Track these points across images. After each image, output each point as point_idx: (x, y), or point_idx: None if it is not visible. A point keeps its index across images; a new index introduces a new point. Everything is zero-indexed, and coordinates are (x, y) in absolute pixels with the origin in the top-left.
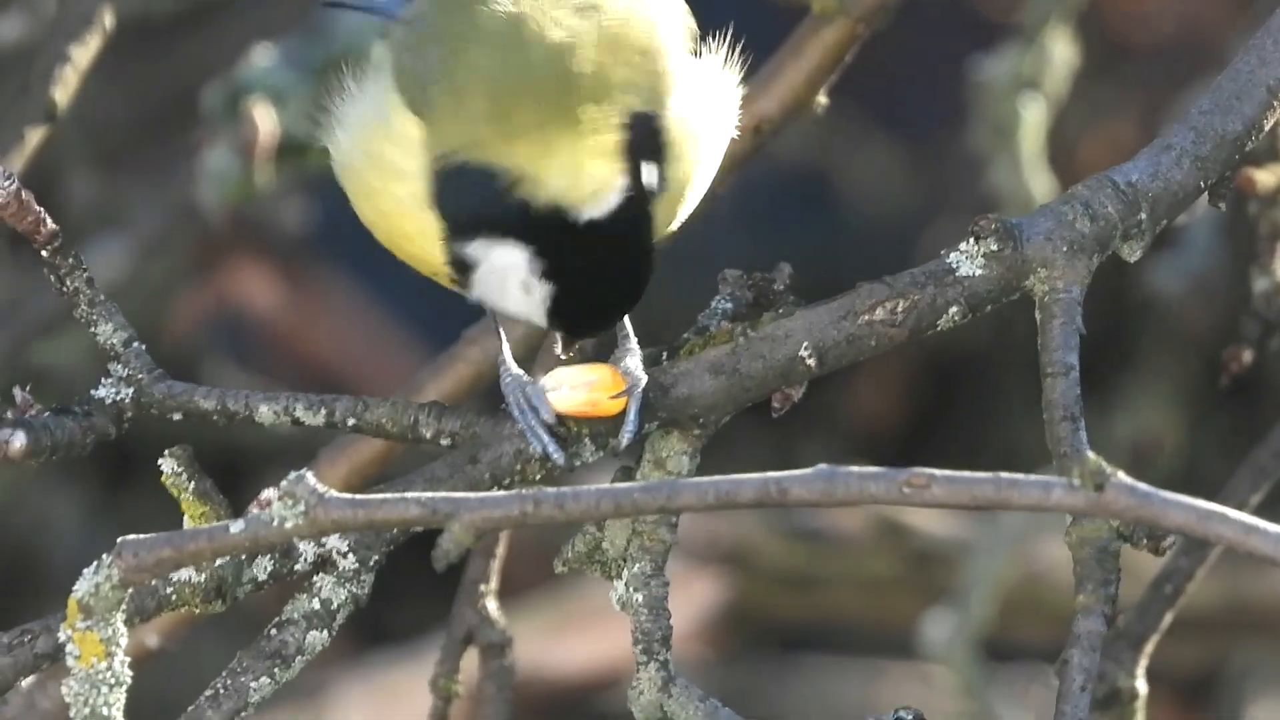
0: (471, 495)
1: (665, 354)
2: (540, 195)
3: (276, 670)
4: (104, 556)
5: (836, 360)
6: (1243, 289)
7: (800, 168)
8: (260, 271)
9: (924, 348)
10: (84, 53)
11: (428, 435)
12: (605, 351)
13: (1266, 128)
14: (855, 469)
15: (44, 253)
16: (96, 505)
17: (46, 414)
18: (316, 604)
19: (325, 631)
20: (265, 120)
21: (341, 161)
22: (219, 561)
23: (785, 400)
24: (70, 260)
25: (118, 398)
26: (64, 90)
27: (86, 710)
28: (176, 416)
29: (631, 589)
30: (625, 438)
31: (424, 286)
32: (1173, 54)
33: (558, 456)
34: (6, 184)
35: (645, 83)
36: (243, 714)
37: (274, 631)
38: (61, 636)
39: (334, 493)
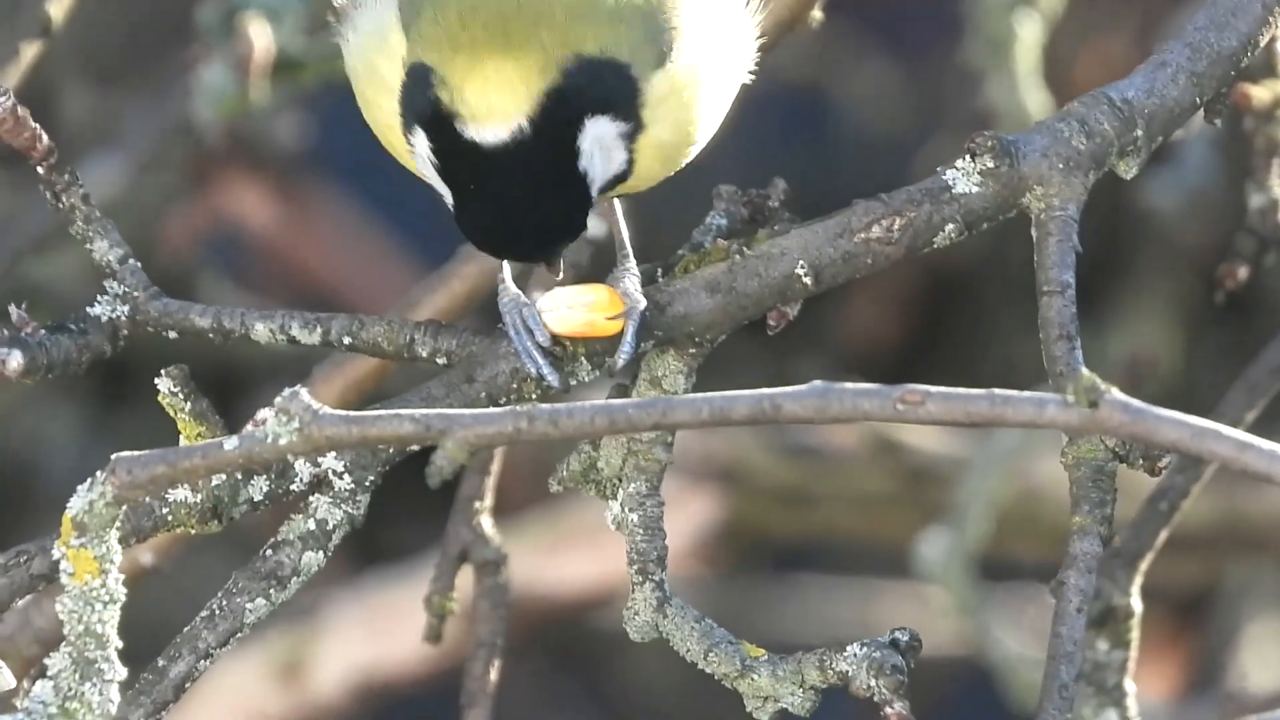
0: (466, 411)
1: (660, 270)
2: (450, 101)
3: (272, 591)
4: (98, 473)
5: (832, 278)
6: (1238, 205)
7: (795, 84)
8: (255, 188)
9: (920, 266)
10: None
11: (424, 354)
12: (603, 271)
13: (1262, 44)
14: (849, 385)
15: (39, 169)
16: (92, 424)
17: (42, 331)
18: (312, 525)
19: (321, 552)
20: (260, 36)
21: (350, 65)
22: (215, 482)
23: (781, 318)
24: (66, 176)
25: (113, 315)
26: (59, 6)
27: (80, 627)
28: (172, 334)
29: (626, 509)
30: (622, 358)
31: (420, 203)
32: None
33: (552, 378)
34: (2, 99)
35: (642, 33)
36: (238, 635)
37: (270, 552)
38: (56, 554)
39: (327, 409)
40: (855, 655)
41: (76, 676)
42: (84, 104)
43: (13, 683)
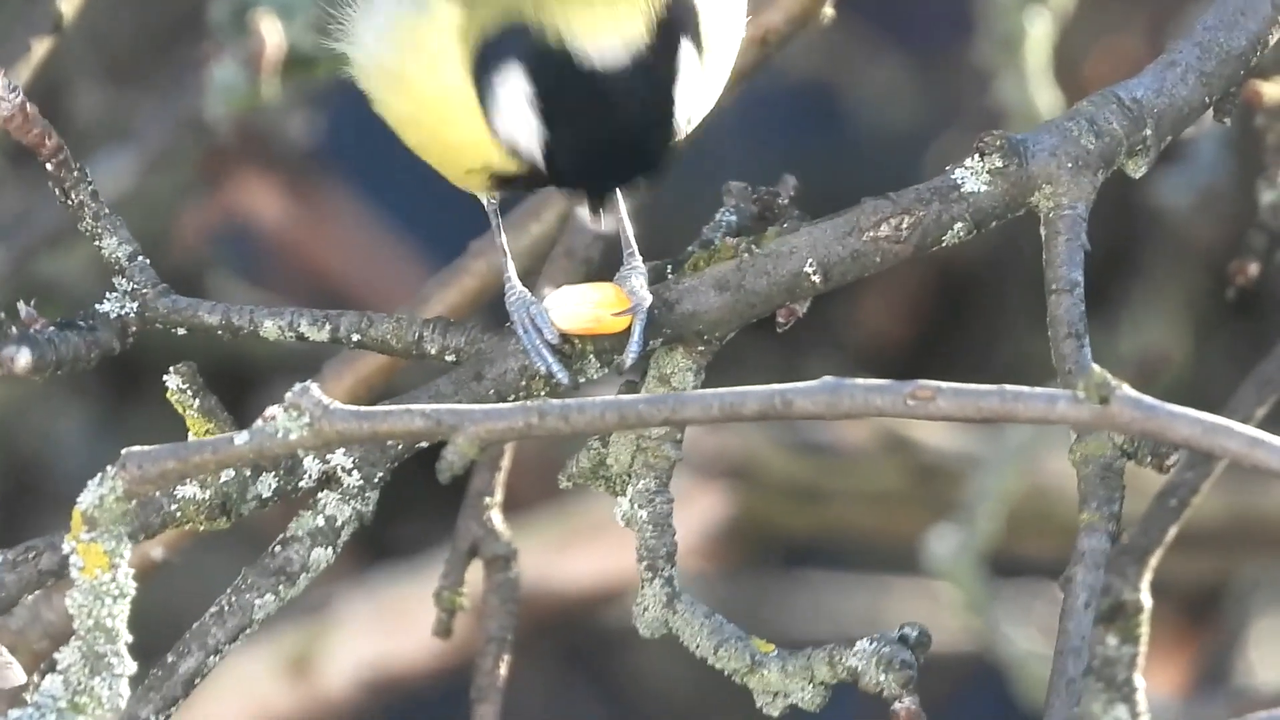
0: (476, 407)
1: (670, 267)
2: (554, 38)
3: (281, 587)
4: (108, 468)
5: (841, 276)
6: (1249, 202)
7: (806, 80)
8: (266, 185)
9: (929, 264)
10: None
11: (432, 351)
12: (611, 269)
13: (1271, 42)
14: (860, 381)
15: (49, 165)
16: (101, 421)
17: (51, 328)
18: (321, 521)
19: (330, 549)
20: (272, 33)
21: (370, 64)
22: (224, 478)
23: (790, 316)
24: (75, 173)
25: (122, 312)
26: (70, 2)
27: (90, 621)
28: (181, 331)
29: (636, 505)
30: (630, 355)
31: (430, 200)
32: None
33: (561, 375)
34: (12, 96)
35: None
36: (247, 630)
37: (279, 548)
38: (66, 548)
39: (338, 404)
40: (865, 651)
41: (86, 671)
42: (95, 100)
43: (23, 678)
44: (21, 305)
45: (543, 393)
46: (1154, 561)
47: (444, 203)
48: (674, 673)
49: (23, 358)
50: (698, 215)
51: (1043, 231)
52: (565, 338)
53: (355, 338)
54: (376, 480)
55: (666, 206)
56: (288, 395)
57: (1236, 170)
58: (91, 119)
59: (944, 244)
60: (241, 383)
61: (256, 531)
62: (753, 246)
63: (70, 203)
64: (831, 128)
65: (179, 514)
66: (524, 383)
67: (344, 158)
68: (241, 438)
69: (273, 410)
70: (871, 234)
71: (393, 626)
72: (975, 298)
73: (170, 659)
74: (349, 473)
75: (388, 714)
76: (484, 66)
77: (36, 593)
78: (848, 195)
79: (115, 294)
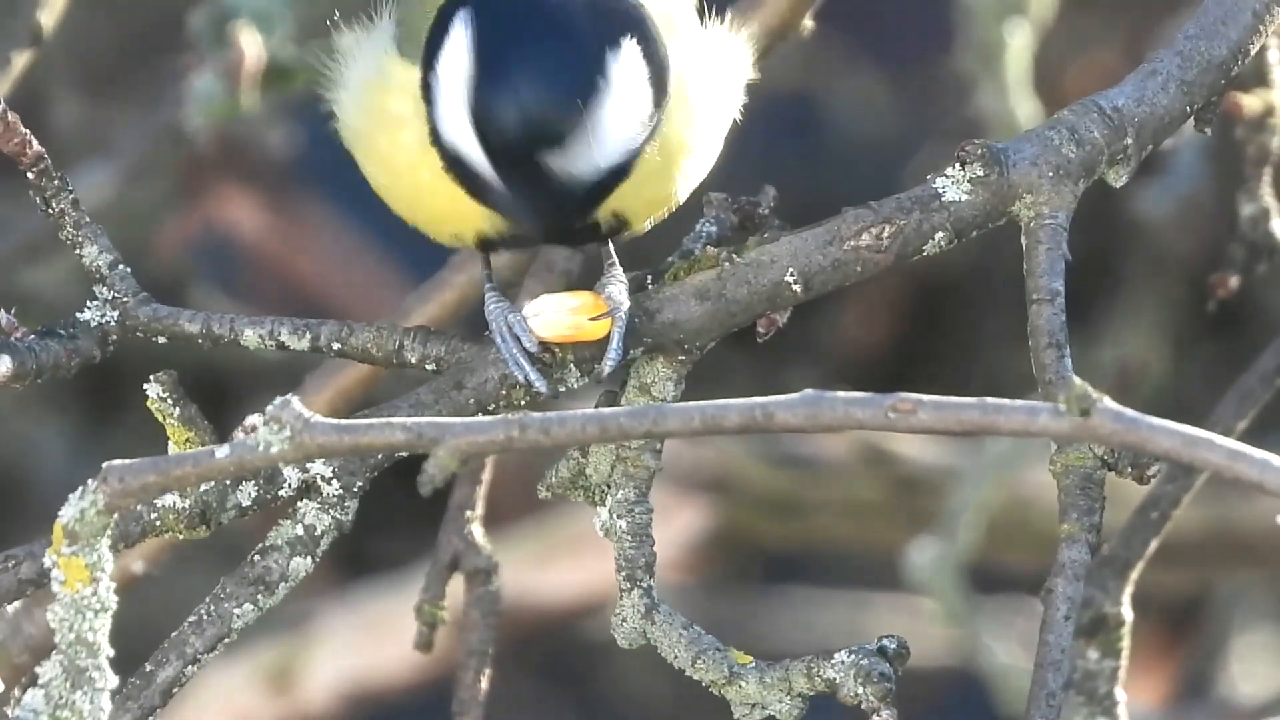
0: (457, 420)
1: (650, 278)
2: None
3: (260, 597)
4: (89, 482)
5: (822, 286)
6: (1229, 214)
7: (786, 92)
8: (246, 196)
9: (910, 273)
10: None
11: (413, 360)
12: (590, 282)
13: (1252, 52)
14: (841, 394)
15: (30, 174)
16: (81, 429)
17: (32, 336)
18: (300, 530)
19: (309, 558)
20: (251, 44)
21: (350, 126)
22: (203, 487)
23: (770, 325)
24: (56, 182)
25: (103, 320)
26: (50, 13)
27: (72, 635)
28: (161, 340)
29: (615, 515)
30: (609, 363)
31: None
32: None
33: (540, 384)
34: None
35: (642, 28)
36: (226, 640)
37: (258, 558)
38: (47, 562)
39: (319, 417)
40: (843, 663)
41: (68, 684)
42: (75, 112)
43: (1, 690)
44: (1, 313)
45: (523, 402)
46: (1135, 574)
47: None
48: (653, 684)
49: (3, 365)
50: (678, 226)
51: (1024, 241)
52: (545, 346)
53: (336, 346)
54: (356, 489)
55: None
56: (268, 408)
57: (1216, 182)
58: (71, 130)
59: (925, 253)
60: (221, 393)
61: (236, 541)
62: (733, 256)
63: (51, 211)
64: (811, 138)
65: (158, 522)
66: (504, 392)
67: (324, 169)
68: (222, 451)
69: (253, 420)
70: (852, 243)
71: (374, 640)
72: (955, 308)
73: (148, 668)
74: (328, 482)
75: None
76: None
77: (17, 606)
78: (828, 205)
79: (96, 302)
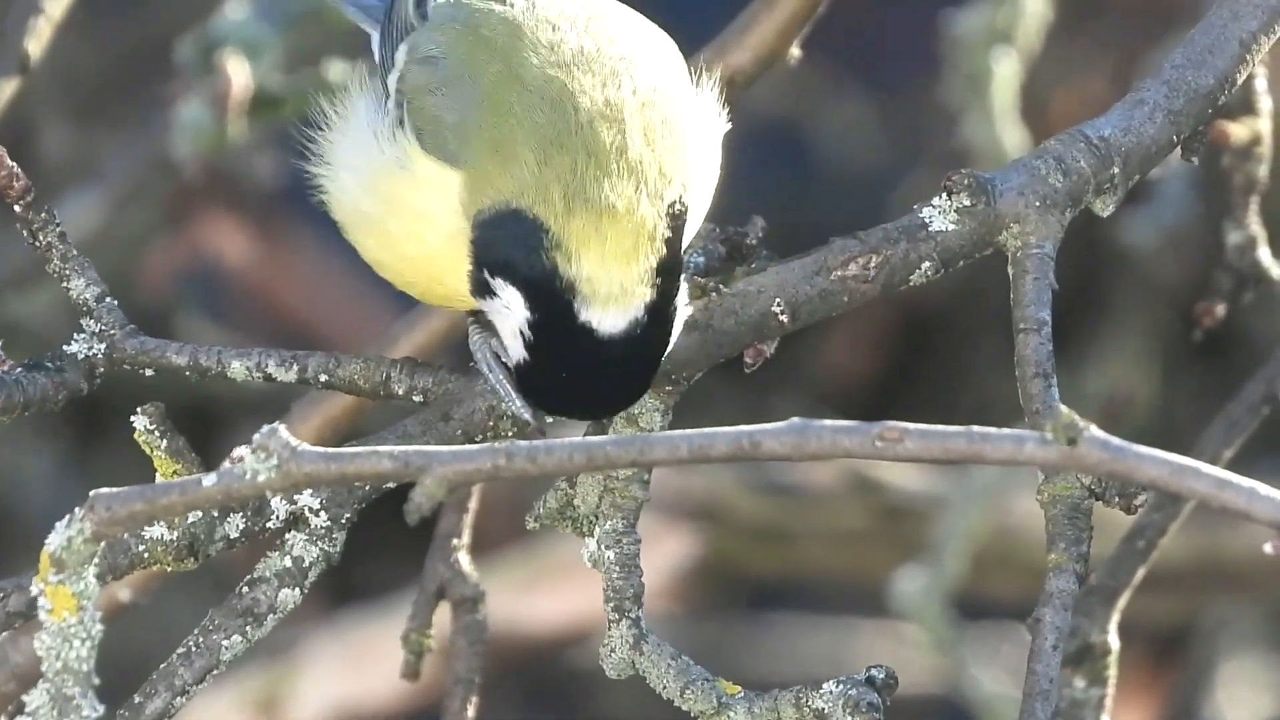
0: (444, 449)
1: None
2: (568, 271)
3: (249, 628)
4: (76, 510)
5: (809, 316)
6: (1216, 243)
7: (773, 120)
8: (234, 225)
9: (896, 303)
10: (57, 4)
11: (400, 392)
12: None
13: (1239, 81)
14: (828, 422)
15: (16, 207)
16: (68, 461)
17: (18, 369)
18: (288, 562)
19: (297, 589)
20: (238, 73)
21: (348, 204)
22: (191, 519)
23: (757, 355)
24: (43, 215)
25: (90, 353)
26: (37, 42)
27: (59, 664)
28: (148, 372)
29: (603, 546)
30: None
31: None
32: (1145, 8)
33: (528, 415)
34: None
35: (678, 162)
36: (215, 672)
37: (246, 589)
38: (34, 590)
39: (307, 446)
40: (831, 693)
41: (54, 713)
42: (62, 140)
43: None
44: None
45: (510, 433)
46: (1122, 603)
47: None
48: (641, 714)
49: None
50: None
51: (1010, 270)
52: None
53: (323, 378)
54: (344, 521)
55: None
56: (255, 437)
57: (1203, 211)
58: (59, 159)
59: (912, 283)
60: (208, 425)
61: (224, 572)
62: (720, 286)
63: (38, 244)
64: (799, 167)
65: (146, 555)
66: (491, 423)
67: (311, 198)
68: (209, 479)
69: (240, 451)
70: (839, 273)
71: (360, 668)
72: (941, 336)
73: (137, 699)
74: (316, 514)
75: None
76: (485, 247)
77: (4, 635)
78: (815, 234)
79: (83, 335)
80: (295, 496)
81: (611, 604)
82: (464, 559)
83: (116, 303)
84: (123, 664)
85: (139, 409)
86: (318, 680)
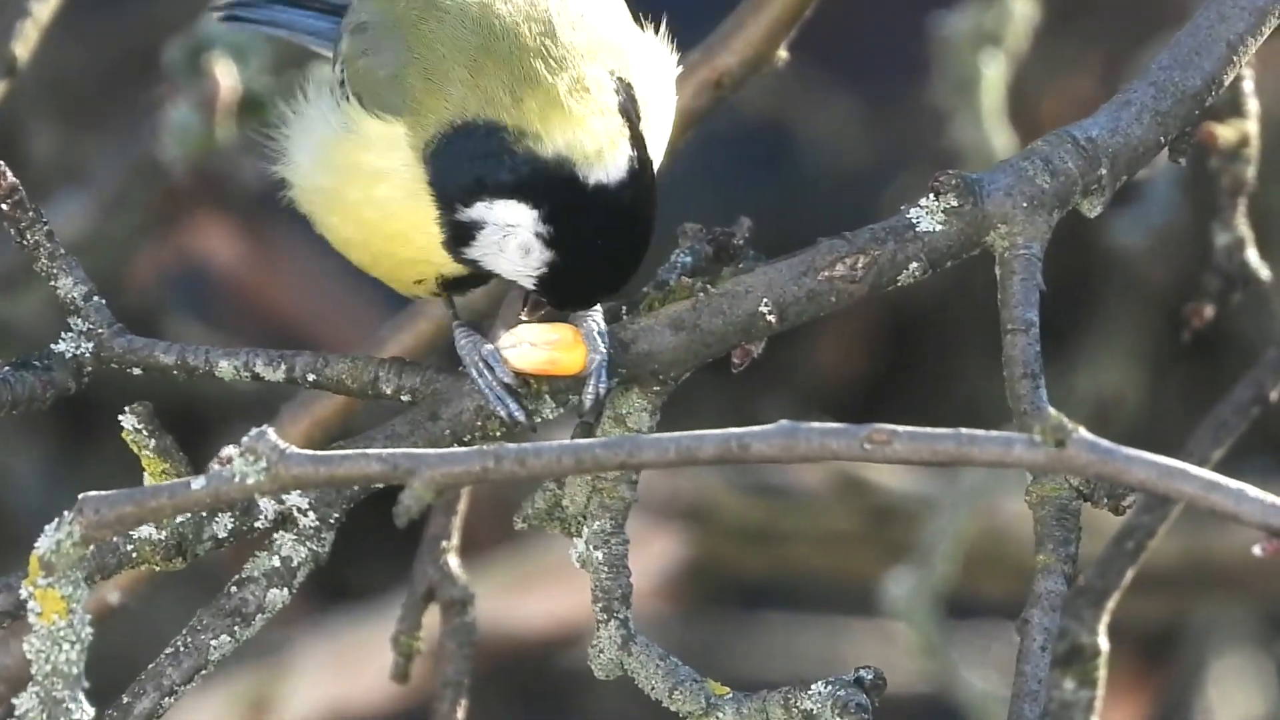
0: (432, 451)
1: (625, 309)
2: (547, 151)
3: (237, 628)
4: (65, 513)
5: (797, 316)
6: (1204, 244)
7: (761, 122)
8: (221, 226)
9: (884, 303)
10: (45, 7)
11: (388, 391)
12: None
13: (1226, 83)
14: (816, 425)
15: (4, 206)
16: (55, 461)
17: (6, 368)
18: (277, 561)
19: (285, 589)
20: (226, 76)
21: (307, 186)
22: (180, 519)
23: (745, 356)
24: (31, 214)
25: (78, 352)
26: (24, 45)
27: (48, 667)
28: (136, 371)
29: (591, 547)
30: (588, 400)
31: None
32: (1133, 9)
33: (519, 415)
34: None
35: (611, 50)
36: (203, 672)
37: (234, 589)
38: (23, 594)
39: (295, 449)
40: (820, 694)
41: (44, 716)
42: (50, 142)
43: None
44: None
45: (499, 433)
46: (1111, 604)
47: None
48: (630, 715)
49: None
50: (653, 256)
51: (998, 271)
52: (521, 378)
53: (311, 378)
54: (332, 521)
55: None
56: (244, 440)
57: (1191, 212)
58: (46, 161)
59: (899, 284)
60: (196, 425)
61: (212, 572)
62: (708, 287)
63: (26, 243)
64: (786, 168)
65: (135, 555)
66: (480, 423)
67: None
68: (198, 482)
69: (228, 452)
70: (827, 274)
71: (350, 669)
72: (929, 337)
73: (125, 699)
74: (305, 514)
75: None
76: (446, 179)
77: None
78: (802, 235)
79: (71, 334)
80: (284, 496)
81: (600, 604)
82: (453, 561)
83: (104, 302)
84: (113, 666)
85: (127, 408)
86: (307, 682)
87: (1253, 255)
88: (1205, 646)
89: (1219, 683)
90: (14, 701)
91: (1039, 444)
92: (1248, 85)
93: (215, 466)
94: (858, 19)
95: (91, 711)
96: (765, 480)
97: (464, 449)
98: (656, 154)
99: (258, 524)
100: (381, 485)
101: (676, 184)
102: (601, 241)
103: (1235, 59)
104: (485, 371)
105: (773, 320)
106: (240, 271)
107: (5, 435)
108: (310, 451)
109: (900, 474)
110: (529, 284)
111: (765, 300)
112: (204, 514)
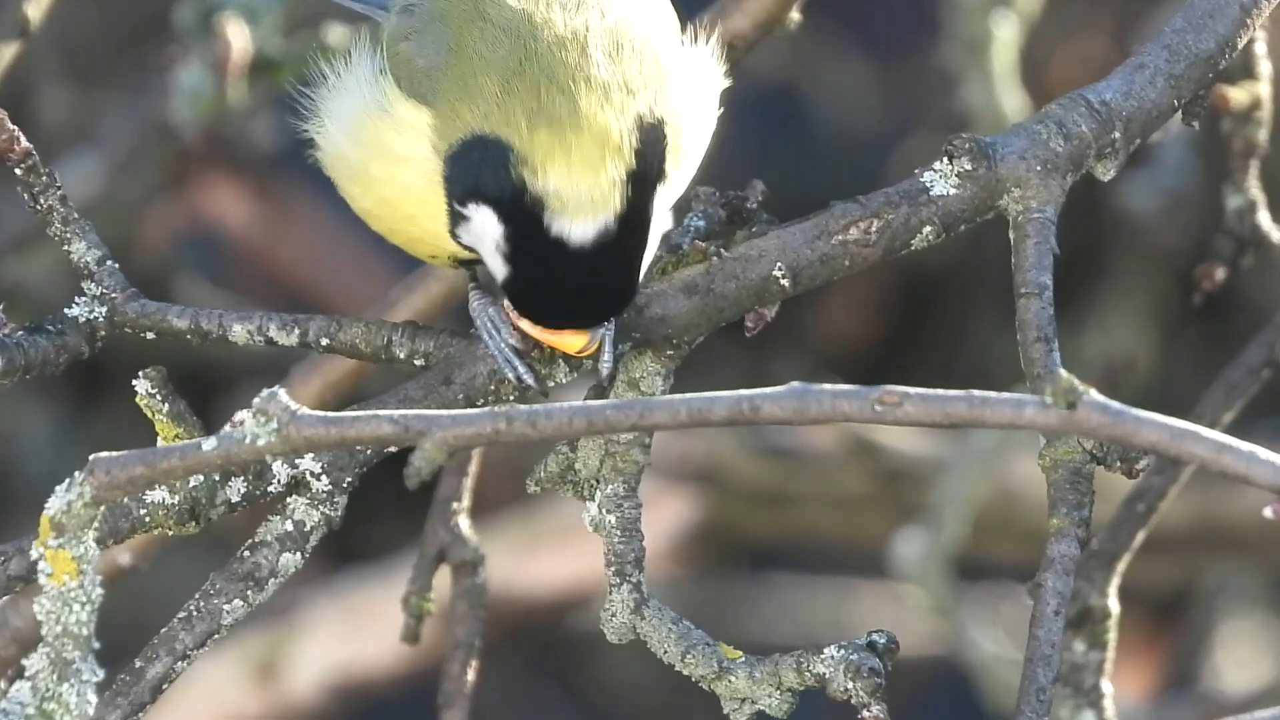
0: (444, 413)
1: None
2: (536, 185)
3: (249, 592)
4: (76, 474)
5: (810, 280)
6: (1216, 207)
7: (773, 85)
8: (233, 188)
9: (897, 267)
10: None
11: (401, 356)
12: None
13: (1240, 45)
14: (828, 387)
15: (17, 170)
16: (68, 424)
17: (20, 332)
18: (290, 526)
19: (298, 554)
20: (238, 37)
21: (334, 153)
22: (193, 483)
23: (759, 320)
24: (44, 178)
25: (91, 316)
26: (37, 7)
27: (58, 628)
28: (149, 335)
29: (604, 510)
30: (604, 367)
31: None
32: None
33: (529, 379)
34: None
35: (648, 82)
36: (216, 636)
37: (247, 553)
38: (34, 554)
39: (307, 410)
40: (832, 658)
41: (54, 677)
42: (62, 104)
43: None
44: None
45: (512, 397)
46: (1122, 567)
47: None
48: (642, 678)
49: None
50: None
51: (1011, 235)
52: (533, 342)
53: (324, 342)
54: (345, 485)
55: None
56: (255, 401)
57: (1203, 175)
58: (58, 123)
59: (913, 248)
60: (209, 389)
61: (225, 536)
62: (721, 251)
63: (39, 207)
64: (799, 131)
65: (148, 519)
66: (493, 387)
67: (308, 159)
68: (210, 443)
69: (241, 415)
70: (840, 237)
71: (360, 631)
72: (942, 300)
73: (138, 664)
74: (318, 478)
75: (355, 719)
76: (455, 179)
77: (4, 599)
78: (816, 199)
79: (84, 298)
80: (296, 460)
81: (613, 568)
82: (464, 523)
83: (117, 265)
84: (124, 629)
85: (141, 373)
86: (317, 643)
87: (1264, 218)
88: (1216, 608)
89: (1229, 644)
90: (24, 662)
91: (1051, 406)
92: (1260, 48)
93: (228, 429)
94: None
95: (101, 673)
96: (777, 442)
97: (475, 410)
98: (686, 176)
99: (271, 488)
100: (394, 448)
101: None
102: (550, 285)
103: (1249, 22)
104: (497, 336)
105: (786, 284)
106: (251, 234)
107: (16, 399)
108: (321, 413)
109: (911, 436)
110: (500, 282)
111: (779, 264)
112: (217, 478)
